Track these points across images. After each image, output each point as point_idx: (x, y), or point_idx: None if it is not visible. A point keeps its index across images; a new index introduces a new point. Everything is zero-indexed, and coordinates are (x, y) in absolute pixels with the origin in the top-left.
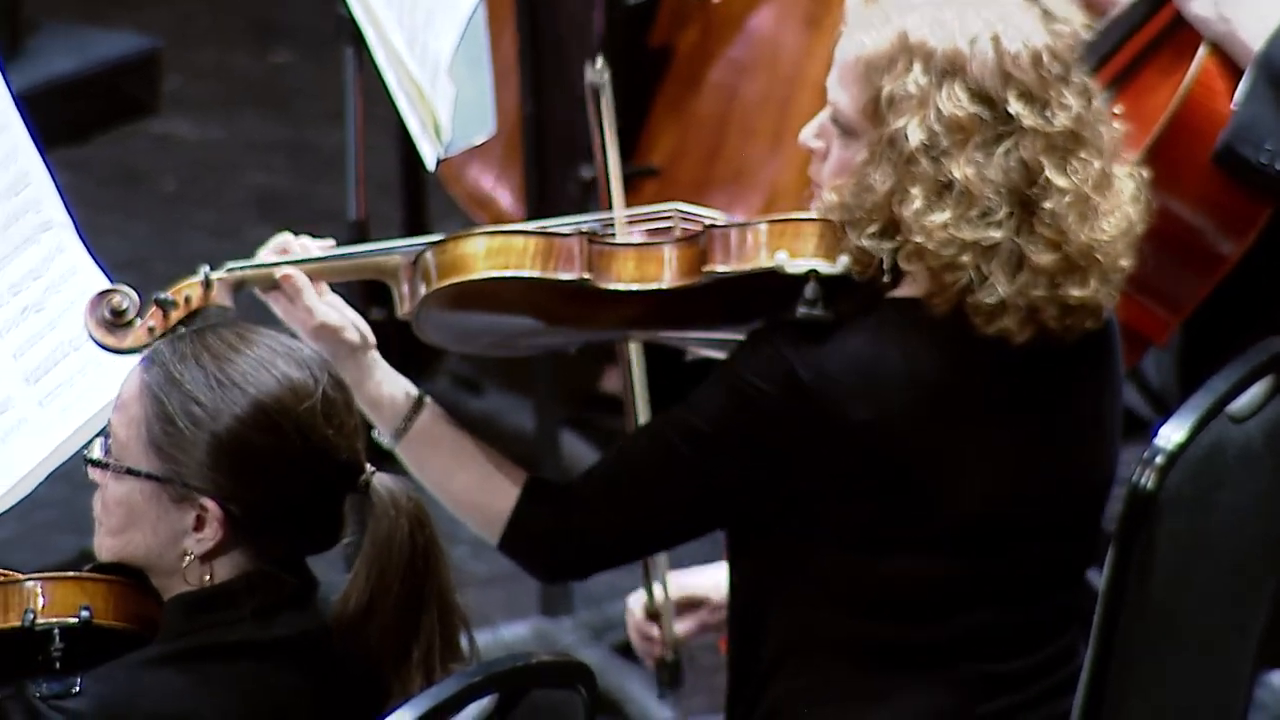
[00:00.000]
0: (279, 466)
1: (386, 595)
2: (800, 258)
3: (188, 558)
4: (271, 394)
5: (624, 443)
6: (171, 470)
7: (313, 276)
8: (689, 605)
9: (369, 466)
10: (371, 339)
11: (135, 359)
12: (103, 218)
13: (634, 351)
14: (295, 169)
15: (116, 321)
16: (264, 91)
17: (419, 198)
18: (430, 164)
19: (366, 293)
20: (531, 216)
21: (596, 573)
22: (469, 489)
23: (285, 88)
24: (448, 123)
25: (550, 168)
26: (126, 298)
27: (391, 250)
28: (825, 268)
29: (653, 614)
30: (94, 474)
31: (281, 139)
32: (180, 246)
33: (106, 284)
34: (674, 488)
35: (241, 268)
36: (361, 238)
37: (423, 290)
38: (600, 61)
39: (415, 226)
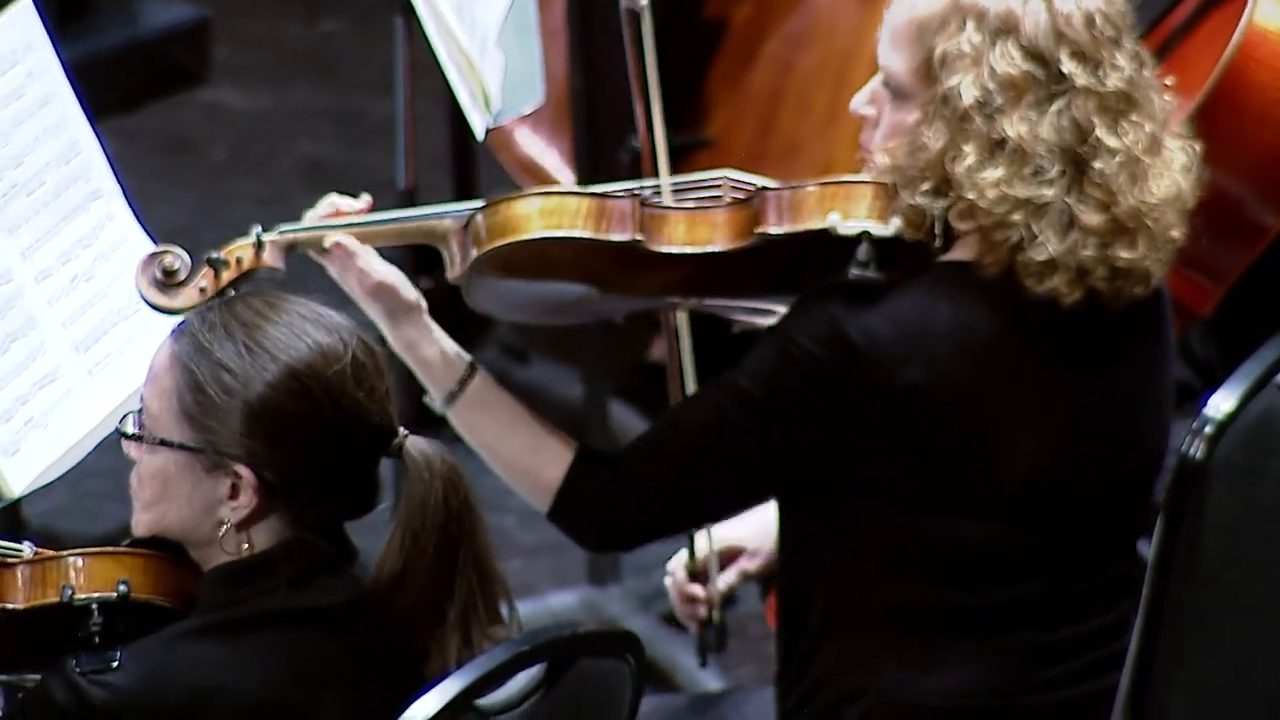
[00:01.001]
0: (311, 431)
1: (421, 558)
2: (853, 219)
3: (224, 527)
4: (301, 359)
5: (674, 410)
6: (204, 439)
7: (363, 240)
8: (728, 556)
9: (402, 430)
10: (423, 302)
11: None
12: (152, 186)
13: (682, 322)
14: (343, 138)
15: (168, 281)
16: (312, 61)
17: (468, 167)
18: (480, 134)
19: (415, 261)
20: (583, 185)
21: (646, 543)
22: (519, 455)
23: (333, 57)
24: (497, 93)
25: (601, 138)
26: (178, 258)
27: (442, 214)
28: (878, 229)
29: (694, 573)
30: (128, 448)
31: (330, 108)
32: (228, 215)
33: (152, 249)
34: (726, 453)
35: (294, 230)
36: (411, 207)
37: (474, 252)
38: None
39: (464, 196)
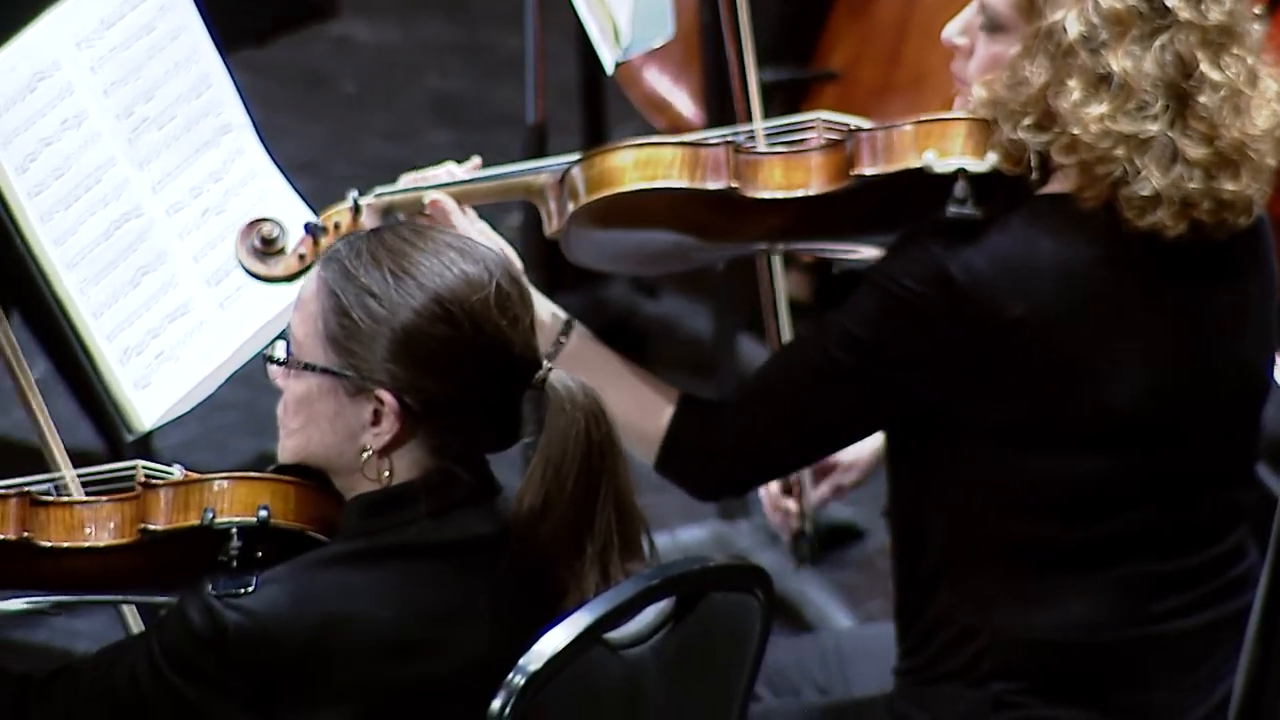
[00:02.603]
0: (454, 357)
1: (561, 491)
2: (948, 157)
3: (366, 453)
4: (446, 285)
5: (778, 354)
6: (348, 364)
7: (460, 199)
8: (821, 471)
9: (546, 362)
10: (518, 266)
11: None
12: (282, 120)
13: (776, 265)
14: (473, 72)
15: (267, 250)
16: None
17: (597, 102)
18: (609, 68)
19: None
20: (712, 121)
21: (755, 487)
22: (621, 410)
23: None
24: (626, 26)
25: (729, 72)
26: (276, 226)
27: (538, 169)
28: (973, 165)
29: (788, 486)
30: (274, 374)
31: (459, 41)
32: (358, 149)
33: (288, 189)
34: (832, 395)
35: (389, 192)
36: (540, 142)
37: (570, 207)
38: None
39: (594, 131)
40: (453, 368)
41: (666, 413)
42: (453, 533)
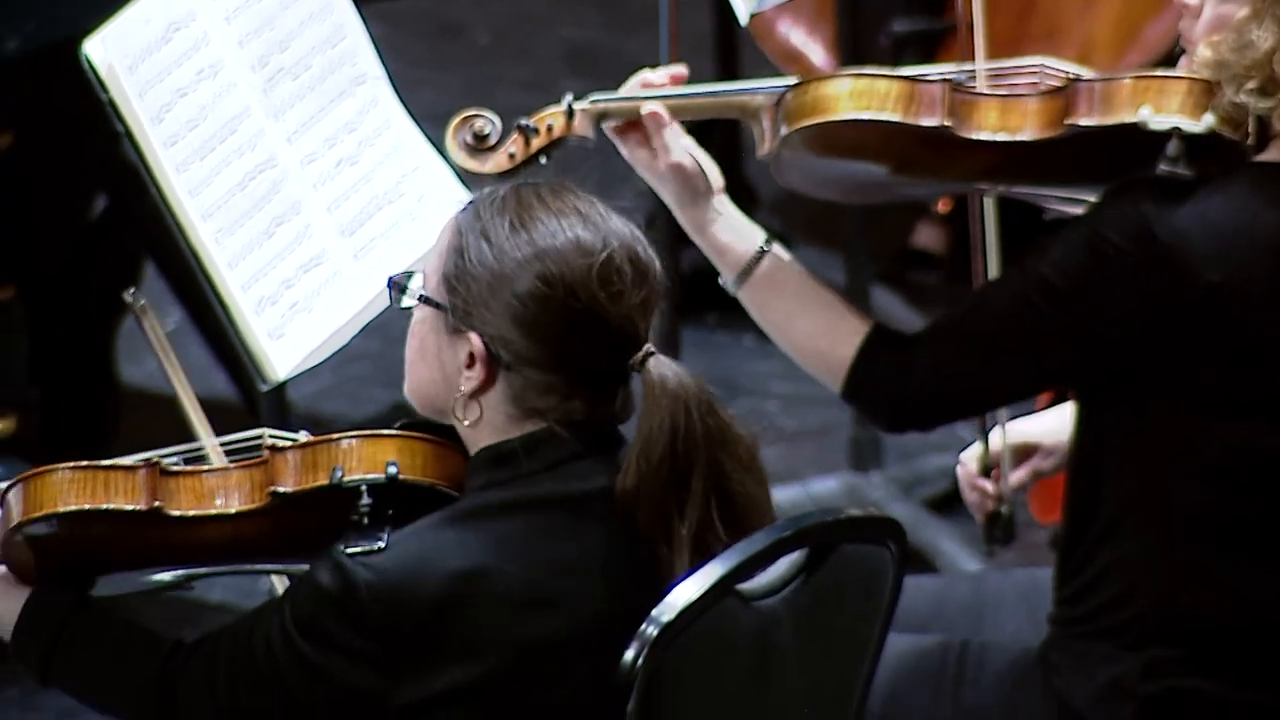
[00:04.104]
0: (542, 318)
1: (655, 478)
2: (1164, 114)
3: (458, 394)
4: (554, 246)
5: (976, 294)
6: (451, 301)
7: (675, 113)
8: (1021, 452)
9: (648, 346)
10: (719, 183)
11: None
12: (416, 71)
13: (989, 205)
14: (606, 23)
15: (478, 145)
16: None
17: (731, 53)
18: (743, 19)
19: None
20: None
21: (938, 425)
22: (811, 335)
23: None
24: None
25: (863, 22)
26: (490, 122)
27: (755, 90)
28: (1189, 126)
29: (987, 467)
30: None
31: None
32: (493, 100)
33: (422, 140)
34: (1025, 340)
35: (606, 99)
36: None
37: (783, 130)
38: None
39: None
40: (539, 327)
41: (855, 341)
42: (577, 485)
